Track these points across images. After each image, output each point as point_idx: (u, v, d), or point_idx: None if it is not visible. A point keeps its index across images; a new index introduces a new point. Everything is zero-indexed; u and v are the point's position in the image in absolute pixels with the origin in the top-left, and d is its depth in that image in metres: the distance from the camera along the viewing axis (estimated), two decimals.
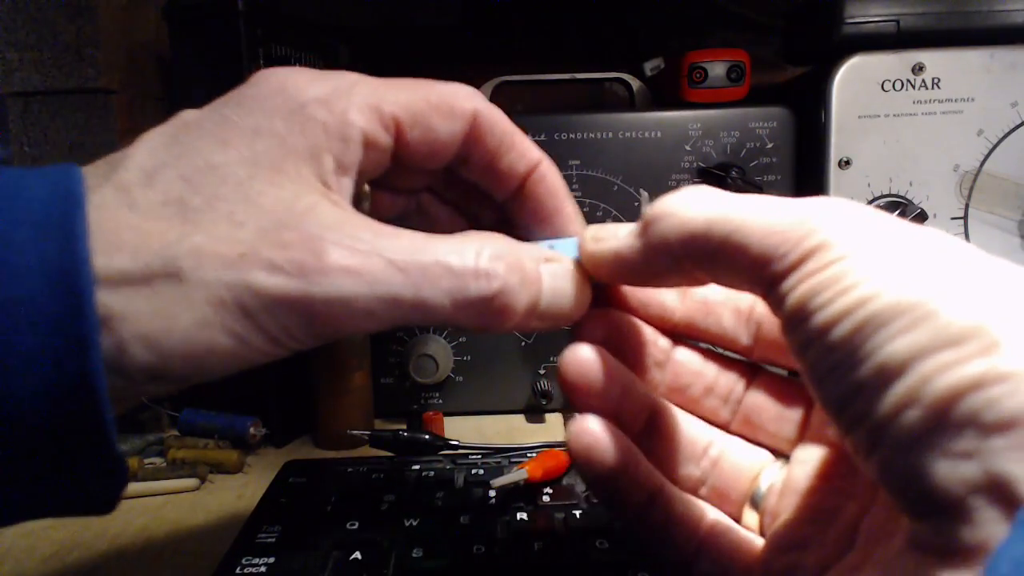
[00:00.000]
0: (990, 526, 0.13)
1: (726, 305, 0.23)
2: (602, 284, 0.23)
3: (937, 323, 0.14)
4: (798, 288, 0.16)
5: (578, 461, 0.21)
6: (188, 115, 0.20)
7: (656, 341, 0.24)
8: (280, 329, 0.18)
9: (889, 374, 0.14)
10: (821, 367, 0.16)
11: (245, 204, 0.18)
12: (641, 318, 0.24)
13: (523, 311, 0.20)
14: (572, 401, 0.22)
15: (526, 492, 0.33)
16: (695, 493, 0.23)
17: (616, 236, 0.21)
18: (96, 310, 0.16)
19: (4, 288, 0.16)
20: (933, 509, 0.13)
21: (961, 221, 0.46)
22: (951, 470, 0.13)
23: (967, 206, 0.46)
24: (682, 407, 0.24)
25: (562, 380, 0.22)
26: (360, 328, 0.19)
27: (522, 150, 0.24)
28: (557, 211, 0.25)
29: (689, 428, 0.23)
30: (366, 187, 0.25)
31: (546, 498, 0.33)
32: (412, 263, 0.19)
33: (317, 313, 0.18)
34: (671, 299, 0.24)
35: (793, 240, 0.16)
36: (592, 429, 0.21)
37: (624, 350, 0.23)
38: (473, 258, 0.20)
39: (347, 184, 0.21)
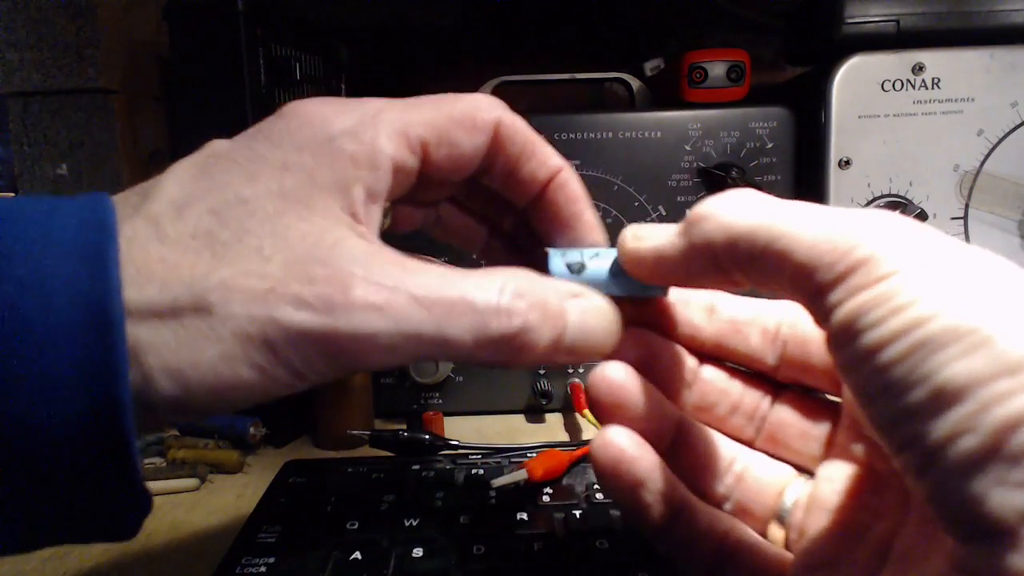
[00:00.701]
0: None
1: (754, 324, 0.23)
2: (634, 307, 0.23)
3: (995, 350, 0.14)
4: (847, 303, 0.16)
5: (603, 474, 0.21)
6: (218, 146, 0.20)
7: (685, 361, 0.24)
8: (304, 363, 0.18)
9: (946, 399, 0.14)
10: (872, 386, 0.16)
11: (273, 239, 0.19)
12: (671, 339, 0.24)
13: (545, 348, 0.20)
14: (601, 421, 0.22)
15: (526, 492, 0.33)
16: (720, 508, 0.23)
17: (658, 235, 0.21)
18: (127, 340, 0.17)
19: (36, 317, 0.16)
20: (984, 534, 0.14)
21: (961, 221, 0.46)
22: (1006, 498, 0.13)
23: (967, 206, 0.46)
24: (708, 424, 0.24)
25: (592, 399, 0.22)
26: (382, 363, 0.19)
27: (543, 158, 0.24)
28: (577, 218, 0.25)
29: (715, 444, 0.23)
30: (385, 203, 0.25)
31: (546, 498, 0.33)
32: (436, 300, 0.19)
33: (342, 348, 0.18)
34: (700, 319, 0.24)
35: (840, 251, 0.16)
36: (618, 442, 0.21)
37: (655, 370, 0.23)
38: (496, 295, 0.19)
39: (376, 212, 0.21)
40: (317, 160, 0.20)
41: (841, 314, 0.16)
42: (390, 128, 0.21)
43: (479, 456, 0.38)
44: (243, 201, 0.19)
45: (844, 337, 0.16)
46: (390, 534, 0.30)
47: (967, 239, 0.46)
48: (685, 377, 0.24)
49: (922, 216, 0.44)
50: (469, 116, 0.22)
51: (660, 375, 0.23)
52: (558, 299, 0.21)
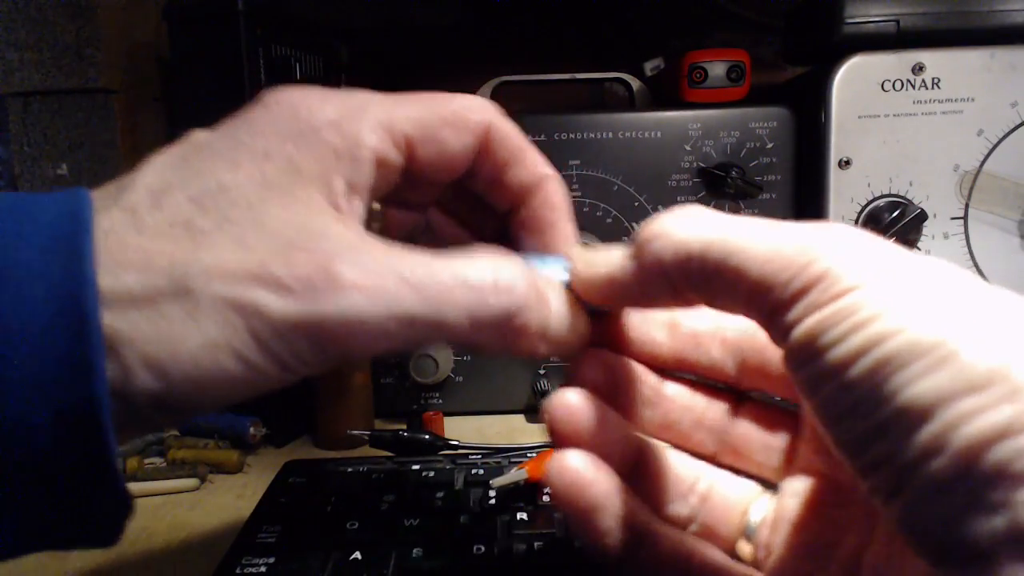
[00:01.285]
0: None
1: (715, 336, 0.23)
2: (595, 316, 0.23)
3: (959, 365, 0.13)
4: (806, 320, 0.15)
5: (559, 498, 0.20)
6: (198, 136, 0.20)
7: (647, 380, 0.23)
8: (290, 352, 0.18)
9: (913, 419, 0.14)
10: (835, 407, 0.15)
11: (255, 227, 0.18)
12: (631, 356, 0.23)
13: (537, 330, 0.20)
14: (558, 446, 0.21)
15: (526, 492, 0.33)
16: (685, 530, 0.22)
17: (609, 260, 0.20)
18: (102, 332, 0.16)
19: (9, 311, 0.16)
20: (958, 558, 0.13)
21: (961, 221, 0.46)
22: (979, 521, 0.13)
23: (967, 206, 0.46)
24: (670, 442, 0.24)
25: (549, 426, 0.21)
26: (373, 350, 0.19)
27: (531, 165, 0.24)
28: (553, 227, 0.24)
29: (677, 465, 0.23)
30: (376, 205, 0.24)
31: (546, 498, 0.33)
32: (428, 280, 0.18)
33: (329, 334, 0.18)
34: (660, 335, 0.23)
35: (797, 266, 0.16)
36: (574, 465, 0.20)
37: (617, 392, 0.23)
38: (492, 273, 0.19)
39: (358, 205, 0.21)
40: (299, 150, 0.20)
41: (800, 332, 0.16)
42: (374, 121, 0.21)
43: (479, 456, 0.38)
44: (224, 189, 0.18)
45: (803, 356, 0.16)
46: (390, 534, 0.30)
47: (967, 239, 0.46)
48: (646, 396, 0.23)
49: (922, 216, 0.44)
50: (459, 116, 0.22)
51: (620, 396, 0.23)
52: (544, 282, 0.21)
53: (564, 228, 0.25)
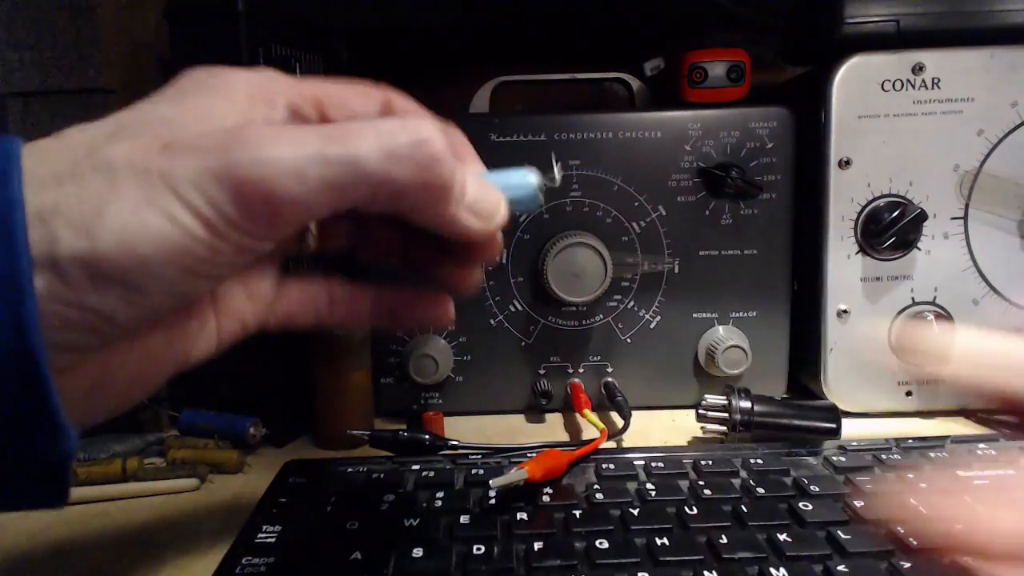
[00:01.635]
0: None
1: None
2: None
3: None
4: None
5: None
6: (120, 114, 0.21)
7: None
8: (209, 205, 0.18)
9: None
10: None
11: (172, 129, 0.20)
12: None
13: (451, 177, 0.21)
14: None
15: (526, 492, 0.33)
16: None
17: None
18: (30, 254, 0.17)
19: None
20: None
21: (961, 221, 0.46)
22: None
23: (967, 206, 0.46)
24: None
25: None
26: (294, 201, 0.19)
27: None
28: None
29: None
30: (312, 227, 0.26)
31: (546, 498, 0.33)
32: (339, 127, 0.20)
33: (242, 181, 0.18)
34: None
35: None
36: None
37: None
38: (399, 119, 0.21)
39: None
40: (215, 100, 0.21)
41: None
42: (289, 82, 0.23)
43: (479, 456, 0.38)
44: (147, 120, 0.20)
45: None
46: (390, 534, 0.30)
47: (967, 239, 0.46)
48: None
49: (922, 216, 0.44)
50: (363, 88, 0.25)
51: None
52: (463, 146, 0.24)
53: (473, 164, 0.26)
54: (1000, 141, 0.45)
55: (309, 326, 0.28)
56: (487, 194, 0.24)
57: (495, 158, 0.26)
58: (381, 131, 0.20)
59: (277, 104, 0.22)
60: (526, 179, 0.25)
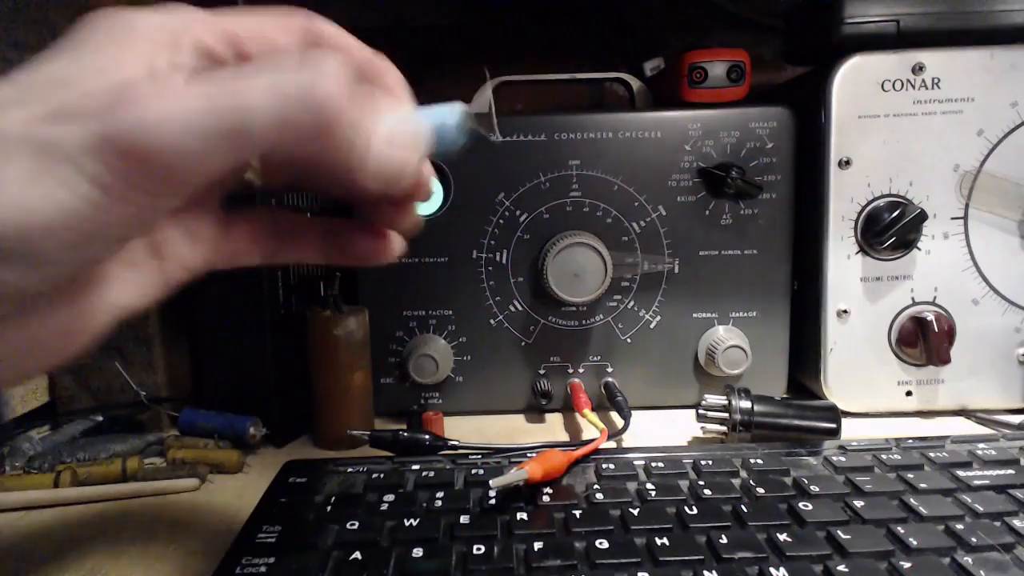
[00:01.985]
0: None
1: None
2: None
3: None
4: None
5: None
6: (16, 74, 0.20)
7: None
8: (102, 170, 0.18)
9: None
10: None
11: (64, 90, 0.18)
12: None
13: (349, 124, 0.20)
14: None
15: (526, 492, 0.33)
16: None
17: None
18: None
19: None
20: None
21: (961, 221, 0.46)
22: None
23: (967, 206, 0.46)
24: None
25: None
26: (186, 159, 0.18)
27: (358, 51, 0.25)
28: (391, 96, 0.25)
29: None
30: (254, 163, 0.25)
31: (546, 498, 0.33)
32: (229, 74, 0.19)
33: (129, 143, 0.17)
34: None
35: None
36: None
37: None
38: (295, 58, 0.19)
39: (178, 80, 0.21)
40: (117, 47, 0.20)
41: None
42: (198, 19, 0.22)
43: (479, 456, 0.38)
44: (40, 82, 0.19)
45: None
46: (390, 534, 0.30)
47: (967, 239, 0.46)
48: None
49: (922, 216, 0.44)
50: (282, 18, 0.24)
51: None
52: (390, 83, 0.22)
53: (402, 97, 0.25)
54: (1000, 141, 0.45)
55: (258, 263, 0.27)
56: (400, 144, 0.22)
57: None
58: (275, 76, 0.19)
59: (183, 47, 0.21)
60: (453, 110, 0.24)
